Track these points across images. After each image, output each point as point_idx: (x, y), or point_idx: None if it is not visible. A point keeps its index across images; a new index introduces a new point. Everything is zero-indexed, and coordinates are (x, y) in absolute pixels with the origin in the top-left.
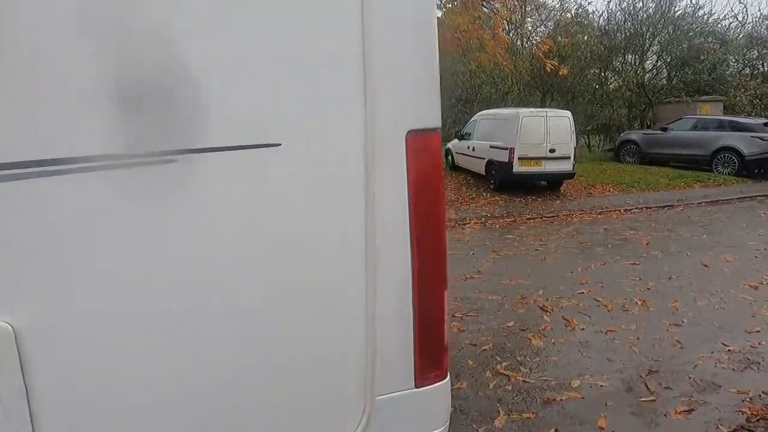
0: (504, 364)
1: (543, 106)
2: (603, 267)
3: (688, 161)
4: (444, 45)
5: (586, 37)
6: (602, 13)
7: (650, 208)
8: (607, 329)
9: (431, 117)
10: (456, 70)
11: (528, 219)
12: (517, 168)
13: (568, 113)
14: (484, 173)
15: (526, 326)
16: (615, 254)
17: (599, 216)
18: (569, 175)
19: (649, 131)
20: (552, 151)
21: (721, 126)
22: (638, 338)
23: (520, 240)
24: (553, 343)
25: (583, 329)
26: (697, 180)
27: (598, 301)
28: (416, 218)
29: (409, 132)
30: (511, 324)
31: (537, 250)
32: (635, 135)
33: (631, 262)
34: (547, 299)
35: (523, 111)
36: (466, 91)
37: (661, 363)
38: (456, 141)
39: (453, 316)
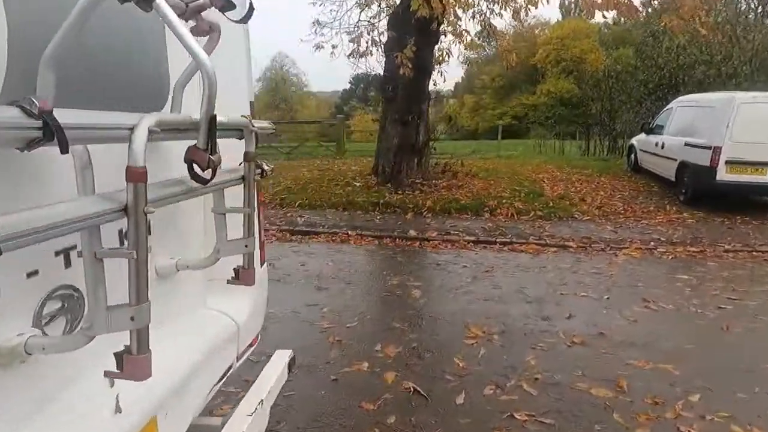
0: None
1: None
2: None
3: None
4: (621, 13)
5: None
6: None
7: None
8: None
9: None
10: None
11: (725, 252)
12: (724, 175)
13: None
14: (673, 179)
15: None
16: None
17: None
18: None
19: None
20: None
21: None
22: None
23: (697, 286)
24: None
25: None
26: None
27: None
28: None
29: None
30: None
31: (720, 308)
32: None
33: None
34: (703, 416)
35: (742, 96)
36: (669, 73)
37: None
38: (642, 136)
39: (513, 417)
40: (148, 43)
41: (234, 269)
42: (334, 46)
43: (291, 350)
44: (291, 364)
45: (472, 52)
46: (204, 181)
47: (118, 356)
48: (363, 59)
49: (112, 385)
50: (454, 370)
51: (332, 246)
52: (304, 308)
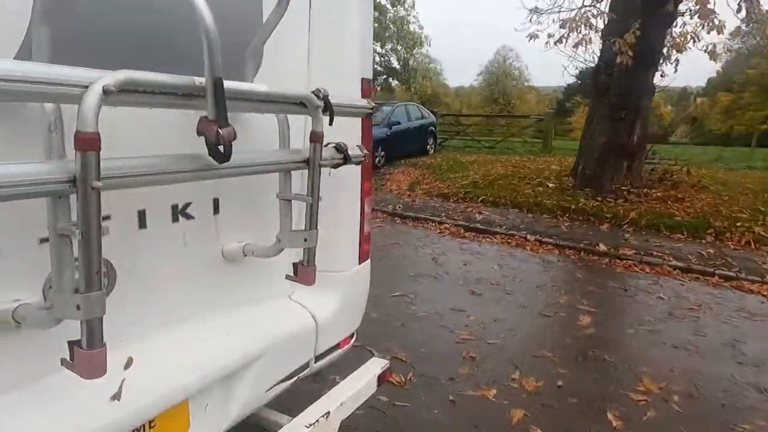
0: None
1: None
2: None
3: None
4: None
5: None
6: None
7: None
8: None
9: None
10: None
11: None
12: None
13: None
14: None
15: None
16: None
17: None
18: None
19: None
20: None
21: None
22: None
23: None
24: None
25: None
26: None
27: None
28: None
29: None
30: None
31: None
32: None
33: None
34: None
35: None
36: None
37: None
38: None
39: None
40: (242, 8)
41: (293, 264)
42: (550, 36)
43: (388, 361)
44: (383, 377)
45: (732, 40)
46: (220, 159)
47: (70, 346)
48: (580, 48)
49: (126, 367)
50: (602, 428)
51: (504, 249)
52: (448, 312)
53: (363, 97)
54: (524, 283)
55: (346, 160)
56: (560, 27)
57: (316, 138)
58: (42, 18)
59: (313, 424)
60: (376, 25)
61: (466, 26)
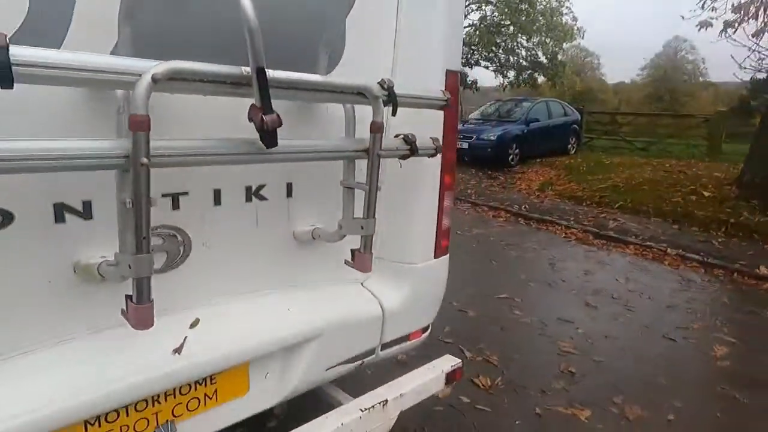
0: None
1: None
2: None
3: None
4: None
5: None
6: None
7: None
8: None
9: None
10: None
11: None
12: None
13: None
14: None
15: None
16: None
17: None
18: None
19: None
20: None
21: None
22: None
23: None
24: None
25: None
26: None
27: None
28: None
29: None
30: None
31: None
32: None
33: None
34: None
35: None
36: None
37: None
38: None
39: None
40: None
41: (351, 250)
42: (727, 24)
43: (460, 360)
44: (453, 375)
45: None
46: (268, 144)
47: (126, 299)
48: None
49: (192, 327)
50: None
51: (637, 261)
52: (553, 322)
53: (448, 89)
54: (652, 302)
55: (413, 152)
56: (732, 12)
57: (375, 128)
58: (125, 18)
59: (368, 409)
60: (523, 17)
61: (630, 17)
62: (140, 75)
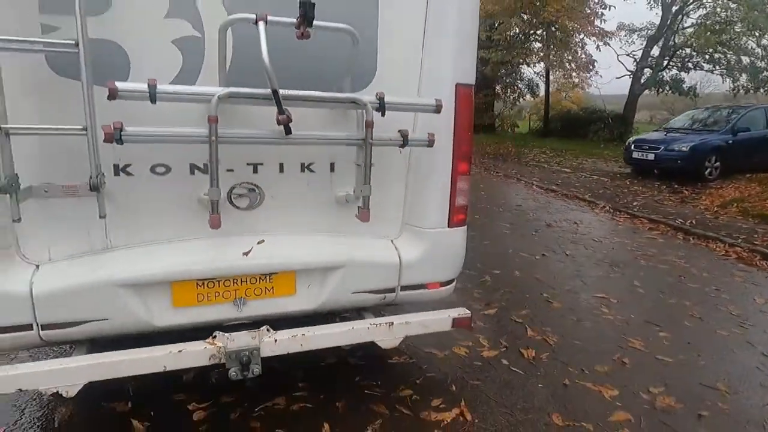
0: None
1: None
2: None
3: None
4: None
5: None
6: None
7: None
8: None
9: None
10: None
11: None
12: None
13: None
14: None
15: None
16: None
17: None
18: None
19: None
20: None
21: None
22: None
23: None
24: None
25: None
26: None
27: None
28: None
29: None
30: None
31: None
32: None
33: None
34: None
35: None
36: None
37: None
38: None
39: None
40: (360, 30)
41: (358, 207)
42: None
43: (470, 312)
44: (462, 322)
45: None
46: (286, 132)
47: (210, 213)
48: None
49: (258, 243)
50: None
51: None
52: (641, 324)
53: (459, 99)
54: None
55: (405, 143)
56: None
57: (367, 125)
58: (227, 66)
59: (374, 325)
60: (755, 12)
61: None
62: (213, 95)
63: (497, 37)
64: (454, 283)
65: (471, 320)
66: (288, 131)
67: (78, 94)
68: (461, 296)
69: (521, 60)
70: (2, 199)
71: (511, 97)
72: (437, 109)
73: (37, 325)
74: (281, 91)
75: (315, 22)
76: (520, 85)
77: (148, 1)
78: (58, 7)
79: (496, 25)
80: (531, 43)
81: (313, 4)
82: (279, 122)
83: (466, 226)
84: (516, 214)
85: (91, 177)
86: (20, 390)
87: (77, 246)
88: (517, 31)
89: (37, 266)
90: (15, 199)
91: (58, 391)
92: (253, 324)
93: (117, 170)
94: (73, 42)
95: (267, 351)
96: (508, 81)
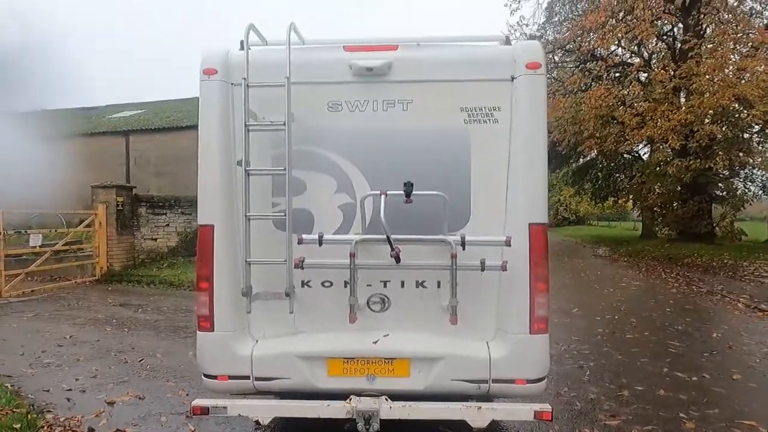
0: None
1: None
2: None
3: None
4: None
5: None
6: None
7: None
8: None
9: None
10: None
11: None
12: None
13: None
14: None
15: None
16: None
17: None
18: None
19: None
20: None
21: None
22: None
23: None
24: None
25: None
26: None
27: None
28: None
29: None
30: None
31: None
32: None
33: None
34: None
35: None
36: None
37: None
38: None
39: None
40: (455, 179)
41: (450, 314)
42: None
43: (551, 408)
44: (543, 415)
45: None
46: (396, 261)
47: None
48: None
49: (385, 336)
50: None
51: None
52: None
53: (531, 236)
54: None
55: (483, 268)
56: None
57: (452, 256)
58: (369, 216)
59: (467, 407)
60: None
61: None
62: (352, 240)
63: (692, 145)
64: (544, 382)
65: (551, 414)
66: (397, 260)
67: (284, 240)
68: (588, 406)
69: (736, 165)
70: (243, 300)
71: (731, 201)
72: (507, 242)
73: (253, 377)
74: (393, 236)
75: (414, 192)
76: (751, 188)
77: (326, 184)
78: (280, 191)
79: (695, 132)
80: (747, 144)
81: (412, 184)
82: (391, 256)
83: (547, 334)
84: (694, 334)
85: (286, 288)
86: (239, 415)
87: (279, 330)
88: (719, 137)
89: (257, 341)
90: (248, 299)
91: (258, 420)
92: (378, 394)
93: (302, 284)
94: (283, 213)
95: (384, 414)
96: (726, 185)
